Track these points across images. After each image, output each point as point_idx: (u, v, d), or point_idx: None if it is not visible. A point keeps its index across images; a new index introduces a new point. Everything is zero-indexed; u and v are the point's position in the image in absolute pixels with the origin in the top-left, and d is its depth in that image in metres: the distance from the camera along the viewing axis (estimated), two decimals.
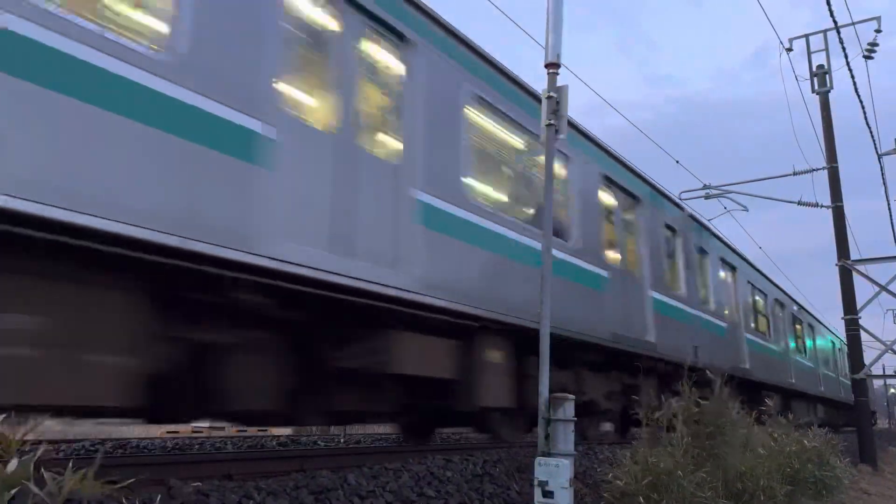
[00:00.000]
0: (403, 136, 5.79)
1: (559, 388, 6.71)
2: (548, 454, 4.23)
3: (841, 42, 14.36)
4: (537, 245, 6.63)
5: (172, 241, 3.71)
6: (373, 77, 5.78)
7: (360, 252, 5.12)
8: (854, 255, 15.42)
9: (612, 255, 9.27)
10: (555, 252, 6.57)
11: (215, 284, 4.12)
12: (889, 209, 18.98)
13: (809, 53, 16.30)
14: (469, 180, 6.55)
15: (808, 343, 22.90)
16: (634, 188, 10.28)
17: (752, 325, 16.00)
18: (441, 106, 6.24)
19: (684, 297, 11.48)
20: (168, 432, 12.59)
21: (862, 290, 15.58)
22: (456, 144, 6.35)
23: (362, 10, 5.52)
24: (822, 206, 15.80)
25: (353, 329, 5.39)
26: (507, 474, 5.12)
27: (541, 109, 4.95)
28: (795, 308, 21.74)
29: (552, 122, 4.91)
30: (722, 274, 14.39)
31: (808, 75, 16.14)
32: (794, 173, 16.62)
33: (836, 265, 15.10)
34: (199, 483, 3.46)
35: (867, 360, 15.66)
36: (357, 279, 4.97)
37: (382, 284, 5.17)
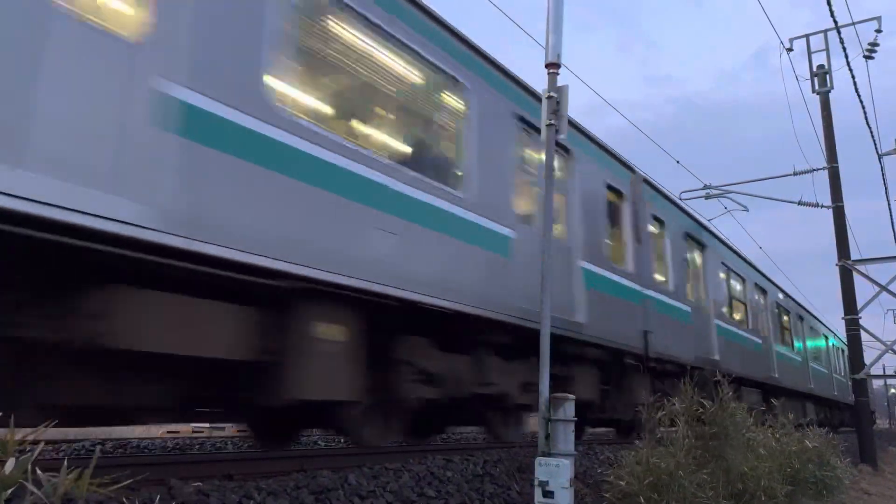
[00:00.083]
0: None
1: (449, 374, 6.28)
2: (548, 454, 4.24)
3: (841, 42, 14.37)
4: (415, 193, 5.72)
5: None
6: None
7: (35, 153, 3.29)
8: (854, 255, 15.44)
9: (526, 213, 7.52)
10: (436, 203, 6.00)
11: None
12: (889, 209, 19.00)
13: (810, 53, 16.31)
14: (273, 78, 4.65)
15: (796, 336, 20.92)
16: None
17: (726, 311, 14.20)
18: None
19: (632, 274, 9.79)
20: (168, 432, 12.59)
21: (862, 290, 15.61)
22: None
23: None
24: (822, 206, 15.81)
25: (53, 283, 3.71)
26: (507, 474, 5.12)
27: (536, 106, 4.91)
28: (781, 296, 19.88)
29: (552, 121, 4.91)
30: (687, 251, 12.59)
31: (808, 75, 16.16)
32: (795, 173, 16.62)
33: (837, 265, 15.10)
34: (200, 483, 3.46)
35: (867, 360, 15.66)
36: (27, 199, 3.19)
37: (89, 214, 3.44)
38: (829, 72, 15.88)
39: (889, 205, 18.93)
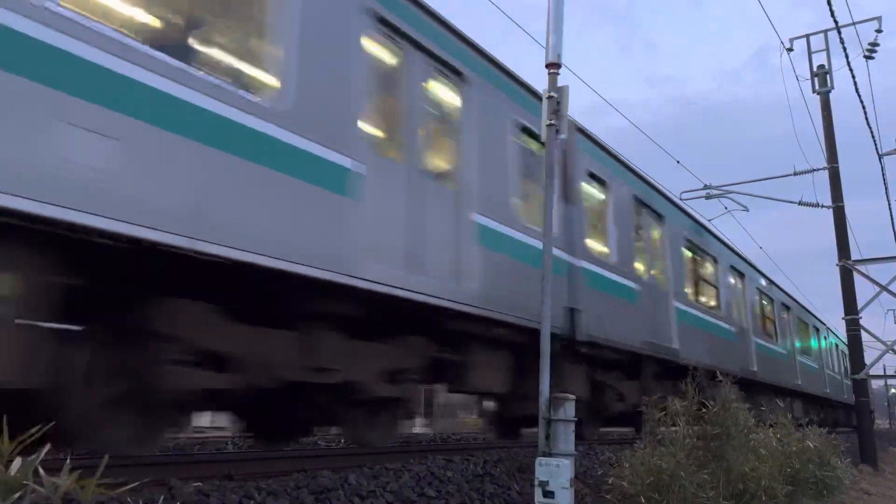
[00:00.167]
0: None
1: (252, 355, 4.68)
2: (548, 454, 4.24)
3: (842, 42, 14.38)
4: (155, 82, 3.88)
5: None
6: None
7: None
8: (855, 255, 15.44)
9: (374, 137, 5.70)
10: (207, 104, 4.15)
11: None
12: (890, 209, 19.00)
13: (810, 53, 16.32)
14: None
15: (782, 327, 18.98)
16: (445, 50, 6.50)
17: (690, 294, 12.31)
18: None
19: (553, 238, 7.87)
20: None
21: (863, 290, 15.61)
22: None
23: None
24: (822, 207, 15.81)
25: None
26: (507, 474, 5.12)
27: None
28: (763, 283, 17.86)
29: (553, 122, 4.91)
30: (639, 221, 10.70)
31: (808, 75, 16.16)
32: (795, 173, 16.63)
33: (837, 265, 15.10)
34: (200, 483, 3.46)
35: (867, 360, 15.66)
36: None
37: None
38: (829, 72, 15.88)
39: (889, 205, 18.95)
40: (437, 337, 6.51)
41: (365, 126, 5.43)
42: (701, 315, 12.50)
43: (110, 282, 4.08)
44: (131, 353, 4.18)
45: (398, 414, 6.67)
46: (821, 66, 16.04)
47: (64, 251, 3.62)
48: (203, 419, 16.01)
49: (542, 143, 7.17)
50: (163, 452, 7.86)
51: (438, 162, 6.54)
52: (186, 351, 4.39)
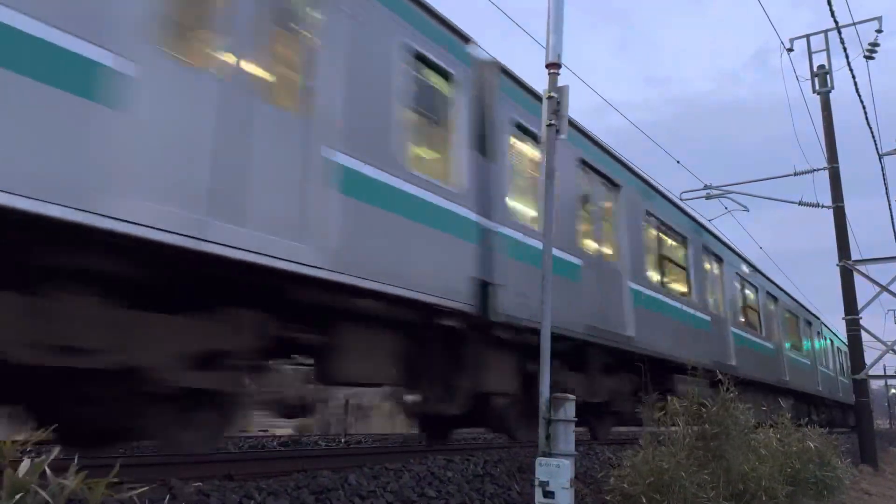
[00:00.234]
0: None
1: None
2: (548, 454, 4.23)
3: (842, 42, 14.39)
4: None
5: None
6: None
7: None
8: (855, 256, 15.46)
9: (160, 32, 4.15)
10: None
11: None
12: (890, 209, 18.99)
13: (810, 53, 16.33)
14: None
15: (767, 318, 17.23)
16: None
17: (652, 275, 10.75)
18: None
19: (460, 195, 6.50)
20: None
21: (863, 290, 15.61)
22: None
23: None
24: (823, 207, 15.82)
25: None
26: (507, 474, 5.12)
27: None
28: (745, 269, 16.16)
29: (553, 122, 4.91)
30: (585, 187, 9.13)
31: (808, 75, 16.18)
32: (795, 173, 16.64)
33: (837, 265, 15.11)
34: (200, 483, 3.46)
35: (867, 360, 15.66)
36: None
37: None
38: (829, 72, 15.90)
39: (889, 205, 18.95)
40: (287, 311, 5.12)
41: (143, 15, 3.99)
42: (664, 299, 10.83)
43: None
44: None
45: (225, 410, 5.04)
46: (821, 67, 16.06)
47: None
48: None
49: (445, 77, 6.71)
50: (162, 452, 7.86)
51: (279, 78, 4.94)
52: None
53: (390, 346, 5.95)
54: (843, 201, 15.22)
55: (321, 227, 4.89)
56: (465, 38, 7.04)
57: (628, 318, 9.47)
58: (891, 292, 15.75)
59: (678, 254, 12.30)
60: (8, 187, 3.22)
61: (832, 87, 15.80)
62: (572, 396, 4.43)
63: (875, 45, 15.25)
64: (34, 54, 3.41)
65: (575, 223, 8.59)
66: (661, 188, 11.83)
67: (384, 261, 5.44)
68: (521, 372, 7.36)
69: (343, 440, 11.97)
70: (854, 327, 14.99)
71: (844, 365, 27.72)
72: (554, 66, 4.96)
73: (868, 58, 15.39)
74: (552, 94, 4.93)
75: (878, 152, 17.07)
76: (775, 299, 18.54)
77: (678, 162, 15.94)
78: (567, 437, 4.30)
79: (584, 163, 9.08)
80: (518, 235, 7.26)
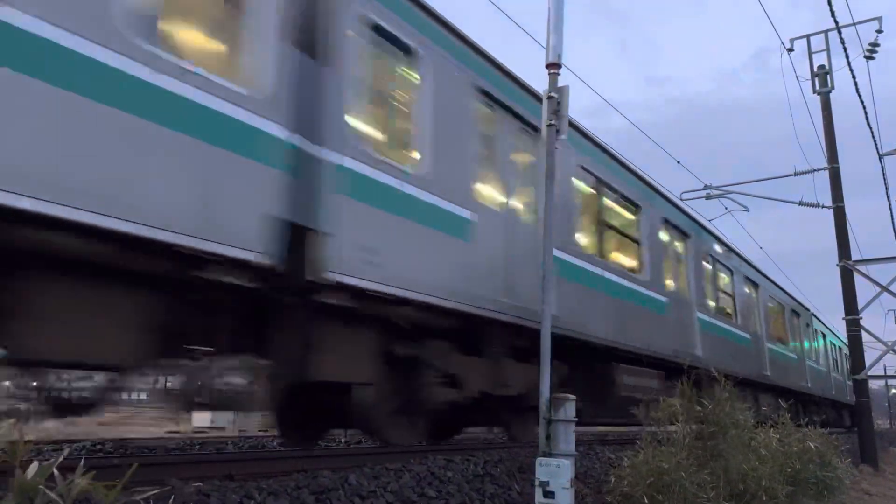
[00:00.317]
0: None
1: None
2: (549, 454, 4.23)
3: (842, 42, 14.39)
4: None
5: None
6: None
7: None
8: (855, 256, 15.46)
9: None
10: None
11: None
12: (890, 209, 19.01)
13: (810, 54, 16.34)
14: None
15: (744, 305, 15.23)
16: None
17: (585, 244, 8.80)
18: None
19: (262, 102, 4.70)
20: (168, 432, 12.60)
21: (863, 290, 15.62)
22: None
23: None
24: (823, 207, 15.83)
25: None
26: (508, 474, 5.12)
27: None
28: (719, 249, 14.34)
29: (553, 122, 4.92)
30: (472, 107, 6.97)
31: (809, 76, 16.18)
32: (796, 174, 16.65)
33: (838, 266, 15.11)
34: (200, 483, 3.46)
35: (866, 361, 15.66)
36: None
37: None
38: (829, 72, 15.91)
39: (890, 205, 18.97)
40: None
41: None
42: (602, 273, 8.77)
43: None
44: None
45: None
46: (821, 67, 16.07)
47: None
48: (203, 419, 16.03)
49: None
50: (162, 452, 7.87)
51: None
52: None
53: (134, 309, 4.18)
54: (843, 201, 15.23)
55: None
56: None
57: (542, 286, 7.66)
58: (891, 292, 15.75)
59: (627, 224, 10.27)
60: None
61: (832, 88, 15.81)
62: (572, 396, 4.43)
63: (875, 45, 15.25)
64: None
65: (461, 160, 6.56)
66: (594, 136, 9.39)
67: (85, 174, 3.65)
68: (386, 355, 5.81)
69: (343, 440, 11.97)
70: (854, 327, 14.99)
71: (839, 361, 27.10)
72: (554, 67, 4.97)
73: (868, 58, 15.41)
74: (552, 94, 4.94)
75: (878, 152, 17.09)
76: (755, 285, 16.56)
77: (678, 162, 15.95)
78: (567, 437, 4.30)
79: (479, 89, 6.97)
80: (365, 170, 5.35)
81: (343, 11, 5.45)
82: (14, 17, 3.36)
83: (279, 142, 4.70)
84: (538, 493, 4.09)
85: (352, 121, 5.41)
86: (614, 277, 9.19)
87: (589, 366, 8.43)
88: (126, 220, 3.75)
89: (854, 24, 15.06)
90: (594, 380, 8.49)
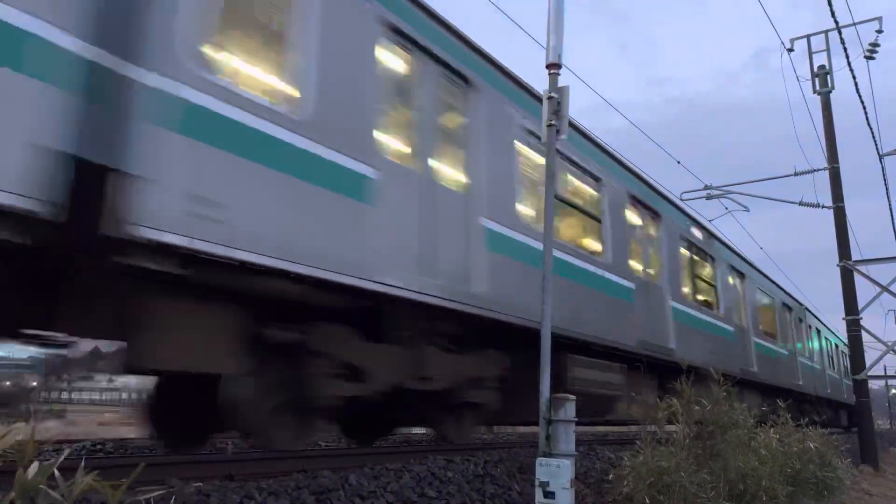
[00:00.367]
0: None
1: None
2: (549, 455, 4.23)
3: (842, 42, 14.39)
4: None
5: None
6: None
7: None
8: (855, 256, 15.45)
9: None
10: None
11: None
12: (890, 209, 19.01)
13: (811, 54, 16.34)
14: None
15: (725, 292, 13.85)
16: None
17: (511, 208, 7.16)
18: None
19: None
20: None
21: (863, 290, 15.62)
22: None
23: None
24: (823, 207, 15.83)
25: None
26: (508, 475, 5.12)
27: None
28: (698, 233, 12.97)
29: (553, 122, 4.91)
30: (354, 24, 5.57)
31: (809, 76, 16.18)
32: (796, 174, 16.65)
33: (838, 266, 15.11)
34: (201, 483, 3.46)
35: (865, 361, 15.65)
36: None
37: None
38: (830, 72, 15.91)
39: (890, 205, 18.96)
40: None
41: None
42: (534, 245, 6.97)
43: None
44: None
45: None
46: (821, 67, 16.07)
47: None
48: None
49: None
50: (163, 452, 7.88)
51: None
52: None
53: None
54: (843, 201, 15.23)
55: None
56: None
57: (477, 268, 6.33)
58: (891, 293, 15.74)
59: (584, 197, 8.98)
60: None
61: (833, 88, 15.81)
62: (572, 397, 4.42)
63: (875, 45, 15.26)
64: None
65: (369, 117, 5.51)
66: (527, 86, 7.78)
67: None
68: (259, 340, 4.84)
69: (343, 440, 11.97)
70: (854, 328, 14.99)
71: (835, 358, 26.38)
72: (554, 67, 4.96)
73: (868, 58, 15.41)
74: (553, 94, 4.94)
75: (878, 153, 17.09)
76: (741, 275, 15.29)
77: (678, 162, 15.95)
78: (567, 437, 4.30)
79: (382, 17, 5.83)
80: (209, 103, 4.18)
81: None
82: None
83: (63, 53, 3.56)
84: (538, 493, 4.09)
85: (189, 38, 4.20)
86: (566, 257, 7.81)
87: (535, 357, 6.86)
88: None
89: (854, 24, 15.08)
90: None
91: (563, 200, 8.24)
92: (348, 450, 7.59)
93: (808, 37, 16.54)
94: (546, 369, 4.56)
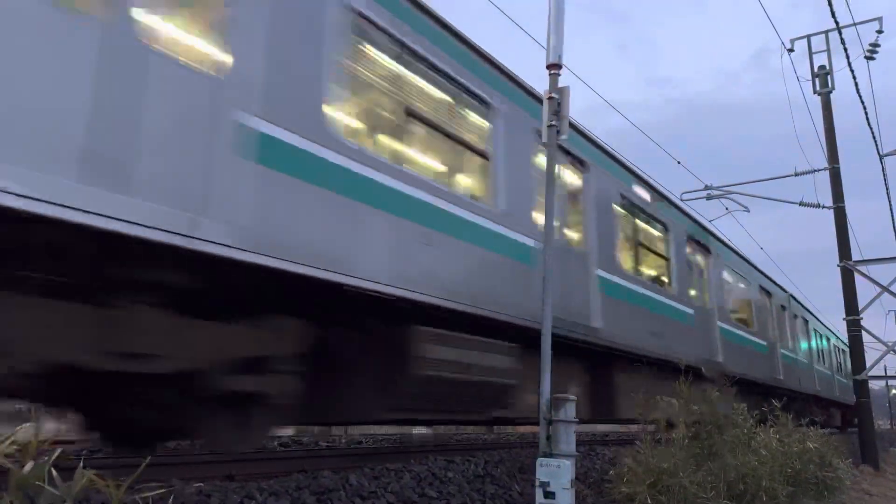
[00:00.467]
0: None
1: None
2: (549, 455, 4.24)
3: (843, 42, 14.38)
4: None
5: None
6: None
7: None
8: (856, 256, 15.45)
9: None
10: None
11: None
12: (891, 210, 18.98)
13: (811, 54, 16.33)
14: None
15: (679, 271, 11.34)
16: None
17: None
18: None
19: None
20: None
21: (864, 290, 15.61)
22: None
23: None
24: (823, 207, 15.82)
25: None
26: (508, 475, 5.12)
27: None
28: (645, 195, 10.38)
29: (554, 122, 4.92)
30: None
31: (809, 76, 16.17)
32: (796, 174, 16.64)
33: (838, 266, 15.10)
34: (202, 483, 3.46)
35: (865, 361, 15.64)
36: None
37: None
38: (830, 72, 15.90)
39: (890, 205, 18.94)
40: None
41: None
42: (389, 182, 5.27)
43: None
44: None
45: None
46: (822, 67, 16.06)
47: None
48: None
49: None
50: (163, 452, 7.88)
51: None
52: None
53: None
54: (843, 202, 15.22)
55: None
56: None
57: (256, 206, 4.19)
58: (891, 293, 15.74)
59: (452, 119, 6.62)
60: None
61: (833, 88, 15.80)
62: (573, 397, 4.42)
63: (876, 45, 15.25)
64: None
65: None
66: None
67: None
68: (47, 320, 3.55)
69: (343, 440, 11.98)
70: (855, 328, 14.99)
71: (827, 353, 24.89)
72: (554, 67, 4.96)
73: (869, 58, 15.40)
74: (553, 94, 4.94)
75: (878, 153, 17.08)
76: (705, 250, 12.98)
77: (679, 162, 15.95)
78: (568, 437, 4.30)
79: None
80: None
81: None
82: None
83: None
84: (539, 493, 4.09)
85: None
86: (422, 195, 5.66)
87: (365, 328, 5.48)
88: None
89: (854, 24, 15.08)
90: (376, 351, 5.46)
91: (419, 117, 6.20)
92: (349, 450, 7.60)
93: (808, 37, 16.53)
94: (546, 369, 4.56)
